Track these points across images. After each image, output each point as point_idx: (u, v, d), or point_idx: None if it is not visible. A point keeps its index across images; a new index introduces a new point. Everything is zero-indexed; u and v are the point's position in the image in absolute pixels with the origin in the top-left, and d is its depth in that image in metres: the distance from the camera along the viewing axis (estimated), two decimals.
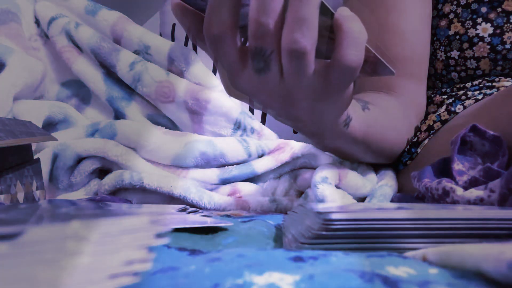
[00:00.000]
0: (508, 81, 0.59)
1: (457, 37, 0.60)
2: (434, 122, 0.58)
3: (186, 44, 0.77)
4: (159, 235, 0.22)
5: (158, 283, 0.18)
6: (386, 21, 0.59)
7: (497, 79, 0.59)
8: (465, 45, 0.60)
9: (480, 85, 0.60)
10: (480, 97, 0.57)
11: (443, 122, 0.57)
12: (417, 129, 0.60)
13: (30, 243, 0.18)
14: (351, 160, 0.55)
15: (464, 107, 0.57)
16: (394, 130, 0.55)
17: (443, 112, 0.58)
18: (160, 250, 0.25)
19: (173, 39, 0.80)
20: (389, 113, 0.54)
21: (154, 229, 0.23)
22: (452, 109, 0.58)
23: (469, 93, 0.59)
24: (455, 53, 0.61)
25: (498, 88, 0.58)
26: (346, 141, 0.48)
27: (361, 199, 0.54)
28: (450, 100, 0.60)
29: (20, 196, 0.43)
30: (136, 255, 0.18)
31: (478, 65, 0.60)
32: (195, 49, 0.75)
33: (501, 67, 0.59)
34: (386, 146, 0.54)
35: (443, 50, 0.62)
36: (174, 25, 0.80)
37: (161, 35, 0.88)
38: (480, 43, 0.59)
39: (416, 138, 0.59)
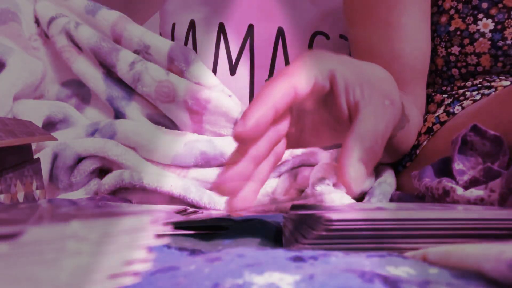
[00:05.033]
0: (506, 80, 0.59)
1: (458, 33, 0.60)
2: (434, 124, 0.58)
3: (186, 44, 0.77)
4: (159, 235, 0.22)
5: (158, 283, 0.18)
6: (388, 17, 0.59)
7: (497, 79, 0.59)
8: (466, 41, 0.59)
9: (479, 85, 0.59)
10: (478, 97, 0.57)
11: (442, 124, 0.57)
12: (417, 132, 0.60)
13: (30, 243, 0.18)
14: None
15: (463, 108, 0.57)
16: (414, 132, 0.58)
17: (442, 113, 0.58)
18: (160, 250, 0.25)
19: (173, 39, 0.80)
20: (414, 122, 0.57)
21: (154, 229, 0.23)
22: (451, 110, 0.58)
23: (468, 93, 0.59)
24: (455, 49, 0.61)
25: (496, 88, 0.58)
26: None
27: (361, 198, 0.54)
28: (449, 101, 0.60)
29: (20, 196, 0.43)
30: (136, 255, 0.18)
31: (478, 61, 0.59)
32: (195, 48, 0.75)
33: (502, 63, 0.58)
34: (403, 148, 0.57)
35: (443, 46, 0.62)
36: (174, 24, 0.79)
37: (161, 35, 0.87)
38: (481, 38, 0.58)
39: (416, 141, 0.59)
